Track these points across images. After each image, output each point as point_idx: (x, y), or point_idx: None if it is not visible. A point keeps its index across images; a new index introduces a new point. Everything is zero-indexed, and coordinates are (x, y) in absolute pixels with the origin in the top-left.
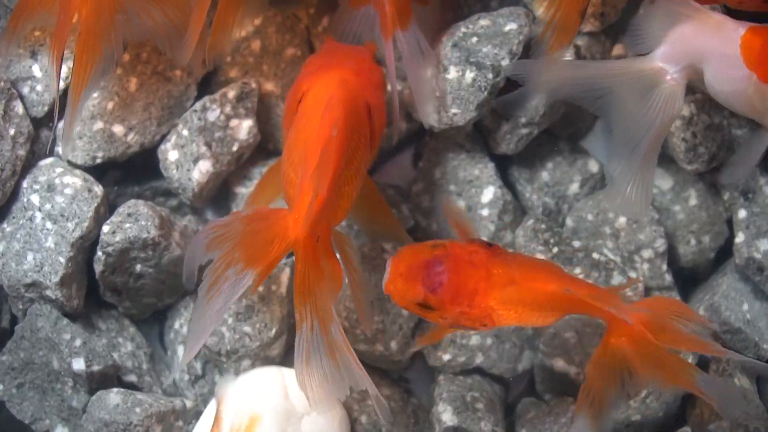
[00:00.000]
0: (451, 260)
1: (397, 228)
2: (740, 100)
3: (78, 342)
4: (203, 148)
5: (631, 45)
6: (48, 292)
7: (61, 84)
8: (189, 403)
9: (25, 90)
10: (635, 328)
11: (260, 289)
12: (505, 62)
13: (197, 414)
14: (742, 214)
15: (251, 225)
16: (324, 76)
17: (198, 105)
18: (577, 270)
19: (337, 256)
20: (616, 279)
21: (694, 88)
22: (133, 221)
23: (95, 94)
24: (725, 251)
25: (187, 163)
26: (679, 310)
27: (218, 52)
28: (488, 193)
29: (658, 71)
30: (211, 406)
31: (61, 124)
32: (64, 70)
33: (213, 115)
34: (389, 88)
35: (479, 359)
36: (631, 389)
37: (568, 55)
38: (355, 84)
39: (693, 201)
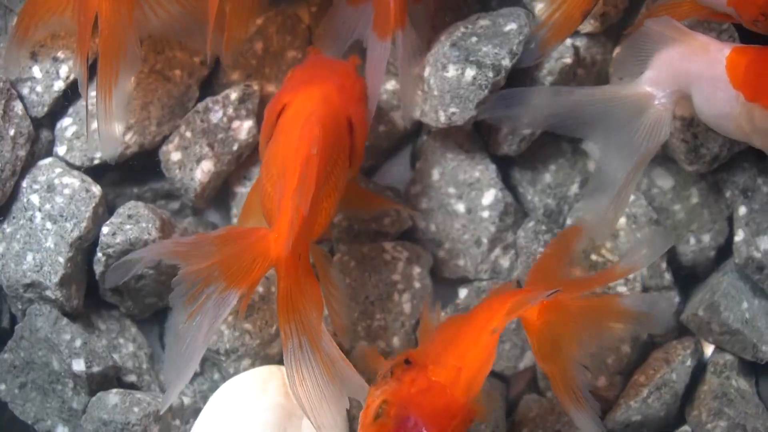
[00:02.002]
0: (406, 407)
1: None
2: (728, 121)
3: (78, 342)
4: (206, 149)
5: (622, 69)
6: (47, 293)
7: (62, 85)
8: (187, 401)
9: (25, 90)
10: (537, 301)
11: (260, 289)
12: (505, 62)
13: (195, 411)
14: (742, 210)
15: (230, 245)
16: (305, 91)
17: (200, 106)
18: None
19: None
20: None
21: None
22: (134, 223)
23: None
24: (726, 250)
25: (190, 163)
26: (557, 255)
27: (234, 47)
28: (489, 196)
29: (646, 96)
30: (210, 404)
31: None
32: (65, 70)
33: (216, 116)
34: (373, 89)
35: None
36: (582, 354)
37: (568, 57)
38: (337, 99)
39: (695, 199)
